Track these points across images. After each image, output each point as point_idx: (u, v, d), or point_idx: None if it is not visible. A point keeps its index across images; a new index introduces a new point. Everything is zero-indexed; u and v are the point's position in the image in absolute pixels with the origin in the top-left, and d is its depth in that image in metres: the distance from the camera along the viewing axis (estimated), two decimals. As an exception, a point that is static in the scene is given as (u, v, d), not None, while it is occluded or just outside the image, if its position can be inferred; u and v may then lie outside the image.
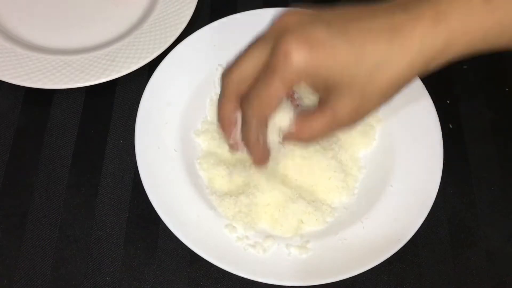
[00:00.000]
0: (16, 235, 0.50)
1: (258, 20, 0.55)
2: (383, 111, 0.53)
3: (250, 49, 0.40)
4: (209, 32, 0.57)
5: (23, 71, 0.55)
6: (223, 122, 0.43)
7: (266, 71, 0.38)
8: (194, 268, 0.48)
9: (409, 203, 0.49)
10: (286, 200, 0.49)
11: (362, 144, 0.53)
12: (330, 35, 0.36)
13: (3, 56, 0.56)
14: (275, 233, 0.48)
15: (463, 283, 0.49)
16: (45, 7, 0.62)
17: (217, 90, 0.55)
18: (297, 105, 0.47)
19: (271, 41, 0.38)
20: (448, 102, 0.58)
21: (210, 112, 0.55)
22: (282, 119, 0.42)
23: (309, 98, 0.51)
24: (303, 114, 0.41)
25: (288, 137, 0.43)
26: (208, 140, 0.53)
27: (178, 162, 0.50)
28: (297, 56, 0.36)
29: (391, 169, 0.51)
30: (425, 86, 0.54)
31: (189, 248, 0.45)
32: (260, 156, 0.43)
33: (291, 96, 0.46)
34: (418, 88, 0.54)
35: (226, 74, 0.41)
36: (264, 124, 0.41)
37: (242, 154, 0.50)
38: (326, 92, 0.39)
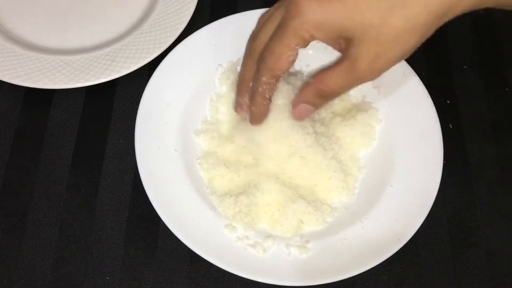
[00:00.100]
0: (16, 235, 0.50)
1: (258, 20, 0.56)
2: (383, 112, 0.53)
3: (270, 14, 0.41)
4: (209, 32, 0.57)
5: (23, 71, 0.55)
6: (241, 82, 0.46)
7: (280, 25, 0.39)
8: (194, 268, 0.48)
9: (409, 203, 0.49)
10: (286, 200, 0.49)
11: (362, 144, 0.53)
12: None
13: (3, 56, 0.56)
14: (275, 233, 0.48)
15: (463, 283, 0.49)
16: (45, 7, 0.62)
17: (217, 90, 0.55)
18: None
19: (286, 3, 0.39)
20: (448, 102, 0.58)
21: (210, 112, 0.55)
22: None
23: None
24: (321, 69, 0.41)
25: (304, 91, 0.43)
26: (208, 140, 0.53)
27: (178, 162, 0.50)
28: (308, 8, 0.37)
29: (391, 169, 0.51)
30: (425, 86, 0.54)
31: (189, 248, 0.45)
32: (261, 112, 0.45)
33: None
34: (418, 88, 0.54)
35: (250, 40, 0.44)
36: (275, 81, 0.42)
37: (242, 156, 0.51)
38: (342, 44, 0.39)
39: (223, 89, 0.55)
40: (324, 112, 0.53)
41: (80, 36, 0.60)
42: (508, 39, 0.62)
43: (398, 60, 0.38)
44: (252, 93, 0.44)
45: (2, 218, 0.50)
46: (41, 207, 0.51)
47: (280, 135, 0.49)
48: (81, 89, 0.57)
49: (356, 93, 0.55)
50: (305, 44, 0.40)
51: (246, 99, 0.46)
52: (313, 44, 0.41)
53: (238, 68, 0.55)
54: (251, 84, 0.45)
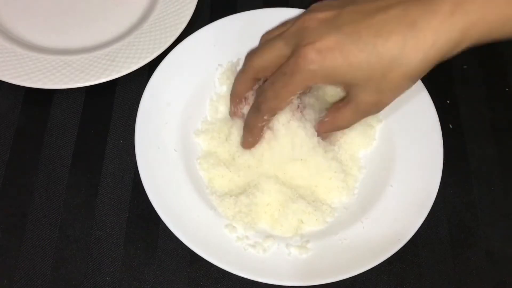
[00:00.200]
0: (16, 235, 0.50)
1: (258, 20, 0.56)
2: (383, 111, 0.53)
3: (274, 41, 0.44)
4: (209, 32, 0.57)
5: (23, 71, 0.55)
6: (234, 97, 0.50)
7: (285, 72, 0.42)
8: (194, 268, 0.48)
9: (409, 203, 0.49)
10: (286, 200, 0.49)
11: (362, 144, 0.53)
12: (343, 40, 0.40)
13: (3, 56, 0.56)
14: (275, 233, 0.48)
15: (463, 283, 0.49)
16: (45, 7, 0.62)
17: (217, 90, 0.55)
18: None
19: (292, 40, 0.42)
20: (448, 102, 0.58)
21: (210, 112, 0.55)
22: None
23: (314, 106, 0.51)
24: (331, 108, 0.46)
25: (322, 125, 0.49)
26: (208, 140, 0.53)
27: (178, 162, 0.50)
28: (314, 63, 0.40)
29: (391, 169, 0.51)
30: (425, 86, 0.54)
31: (189, 248, 0.45)
32: (253, 140, 0.49)
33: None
34: (418, 88, 0.54)
35: (249, 58, 0.46)
36: (272, 116, 0.47)
37: (243, 156, 0.51)
38: (347, 88, 0.43)
39: (223, 89, 0.55)
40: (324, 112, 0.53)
41: (80, 36, 0.60)
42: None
43: (396, 98, 0.42)
44: (250, 126, 0.48)
45: (2, 218, 0.50)
46: (41, 207, 0.51)
47: (281, 138, 0.49)
48: (81, 89, 0.57)
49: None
50: (307, 88, 0.44)
51: (239, 108, 0.50)
52: None
53: (238, 69, 0.55)
54: (242, 106, 0.50)
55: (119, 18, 0.62)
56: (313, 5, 0.43)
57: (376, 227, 0.48)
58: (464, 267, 0.49)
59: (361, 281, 0.48)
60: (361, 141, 0.53)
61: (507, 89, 0.59)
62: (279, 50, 0.43)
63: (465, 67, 0.60)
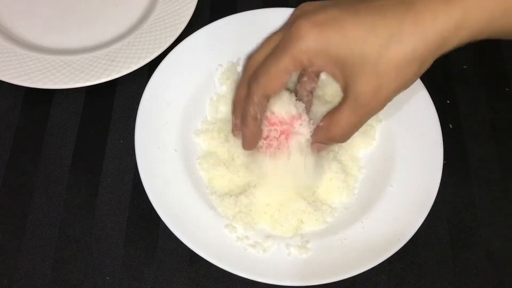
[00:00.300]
0: (16, 235, 0.50)
1: (258, 20, 0.56)
2: (383, 111, 0.53)
3: (270, 36, 0.42)
4: (209, 32, 0.57)
5: (23, 71, 0.55)
6: (237, 102, 0.45)
7: (278, 46, 0.39)
8: (194, 268, 0.48)
9: (409, 203, 0.49)
10: (286, 200, 0.49)
11: (362, 144, 0.53)
12: (340, 14, 0.37)
13: (3, 56, 0.56)
14: (275, 233, 0.48)
15: (463, 283, 0.49)
16: (45, 7, 0.62)
17: (217, 90, 0.55)
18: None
19: (287, 26, 0.40)
20: (448, 102, 0.58)
21: (210, 112, 0.55)
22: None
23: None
24: (329, 111, 0.42)
25: (317, 136, 0.44)
26: (208, 140, 0.53)
27: (178, 162, 0.50)
28: (307, 35, 0.37)
29: (391, 169, 0.51)
30: (425, 86, 0.54)
31: (189, 248, 0.45)
32: (252, 134, 0.44)
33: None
34: (418, 88, 0.54)
35: (247, 60, 0.44)
36: (266, 101, 0.42)
37: (243, 158, 0.51)
38: (343, 75, 0.39)
39: (223, 89, 0.55)
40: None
41: (80, 36, 0.60)
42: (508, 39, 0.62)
43: (400, 90, 0.39)
44: (243, 114, 0.44)
45: (2, 218, 0.50)
46: (41, 207, 0.51)
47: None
48: (81, 89, 0.57)
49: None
50: (300, 69, 0.40)
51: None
52: None
53: (238, 68, 0.55)
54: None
55: (119, 18, 0.62)
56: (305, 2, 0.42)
57: (376, 227, 0.48)
58: (464, 267, 0.49)
59: (361, 281, 0.48)
60: (361, 141, 0.53)
61: (507, 89, 0.59)
62: (274, 40, 0.41)
63: (465, 67, 0.60)
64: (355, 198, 0.51)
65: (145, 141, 0.50)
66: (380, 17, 0.37)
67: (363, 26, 0.37)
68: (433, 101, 0.53)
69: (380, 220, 0.48)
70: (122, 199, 0.51)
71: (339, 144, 0.52)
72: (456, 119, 0.57)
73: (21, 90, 0.57)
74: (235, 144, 0.51)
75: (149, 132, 0.51)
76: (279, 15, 0.51)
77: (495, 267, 0.49)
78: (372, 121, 0.53)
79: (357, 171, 0.52)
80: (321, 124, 0.43)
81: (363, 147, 0.53)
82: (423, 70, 0.38)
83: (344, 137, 0.43)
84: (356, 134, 0.52)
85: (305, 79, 0.46)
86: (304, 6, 0.40)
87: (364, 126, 0.52)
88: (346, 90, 0.40)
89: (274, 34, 0.42)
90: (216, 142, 0.52)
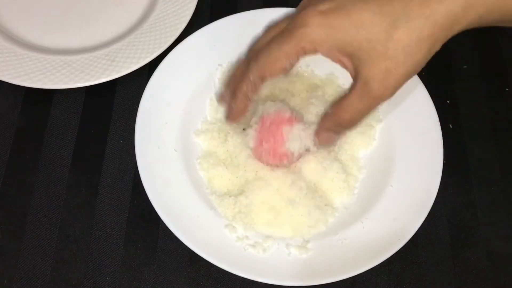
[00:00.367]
0: (16, 235, 0.50)
1: (258, 20, 0.55)
2: (383, 111, 0.53)
3: (276, 24, 0.41)
4: (209, 32, 0.57)
5: (23, 71, 0.55)
6: (232, 78, 0.44)
7: (283, 31, 0.39)
8: (194, 268, 0.48)
9: (409, 203, 0.49)
10: (286, 200, 0.49)
11: (362, 144, 0.53)
12: (346, 1, 0.37)
13: (3, 56, 0.56)
14: (275, 233, 0.48)
15: (463, 283, 0.49)
16: (45, 7, 0.62)
17: (217, 90, 0.55)
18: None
19: (294, 15, 0.39)
20: (448, 102, 0.58)
21: (210, 112, 0.55)
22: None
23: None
24: (337, 99, 0.41)
25: (324, 124, 0.43)
26: (208, 140, 0.53)
27: (178, 162, 0.50)
28: (312, 22, 0.37)
29: (391, 169, 0.51)
30: (425, 86, 0.54)
31: (189, 248, 0.45)
32: (239, 110, 0.44)
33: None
34: (418, 88, 0.54)
35: (251, 46, 0.43)
36: (260, 83, 0.41)
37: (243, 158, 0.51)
38: (352, 62, 0.39)
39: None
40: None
41: (80, 36, 0.60)
42: (508, 39, 0.62)
43: (410, 75, 0.38)
44: (235, 89, 0.43)
45: (2, 218, 0.50)
46: (41, 207, 0.51)
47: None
48: (81, 89, 0.57)
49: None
50: (303, 55, 0.39)
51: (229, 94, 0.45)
52: None
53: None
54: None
55: (119, 18, 0.62)
56: None
57: (376, 227, 0.48)
58: (464, 267, 0.49)
59: (361, 281, 0.48)
60: (361, 141, 0.53)
61: (507, 89, 0.59)
62: (280, 27, 0.41)
63: (465, 67, 0.60)
64: (355, 198, 0.51)
65: (145, 141, 0.50)
66: (386, 1, 0.37)
67: (368, 10, 0.37)
68: (433, 101, 0.53)
69: (380, 220, 0.48)
70: (122, 199, 0.51)
71: (339, 144, 0.52)
72: (456, 119, 0.57)
73: (21, 90, 0.57)
74: (235, 144, 0.51)
75: (149, 132, 0.51)
76: (279, 15, 0.51)
77: (495, 267, 0.49)
78: (372, 121, 0.53)
79: (357, 171, 0.52)
80: (329, 111, 0.42)
81: (363, 147, 0.53)
82: (432, 53, 0.38)
83: (352, 123, 0.41)
84: (356, 134, 0.52)
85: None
86: None
87: (364, 126, 0.53)
88: (355, 76, 0.39)
89: (281, 22, 0.41)
90: (216, 142, 0.52)
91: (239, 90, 0.42)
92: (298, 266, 0.46)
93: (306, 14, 0.38)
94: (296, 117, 0.47)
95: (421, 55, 0.37)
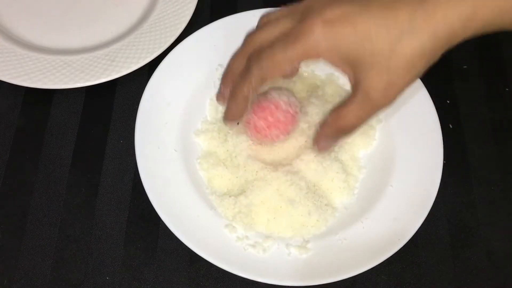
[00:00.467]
0: (16, 235, 0.50)
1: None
2: (383, 111, 0.53)
3: (279, 17, 0.41)
4: (209, 32, 0.57)
5: (23, 71, 0.55)
6: (228, 72, 0.44)
7: (288, 36, 0.39)
8: (194, 268, 0.48)
9: (409, 203, 0.49)
10: (286, 200, 0.49)
11: (362, 144, 0.53)
12: (351, 11, 0.37)
13: (3, 56, 0.56)
14: (275, 233, 0.48)
15: (463, 283, 0.49)
16: (45, 7, 0.62)
17: (218, 90, 0.55)
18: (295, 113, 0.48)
19: (297, 16, 0.39)
20: (448, 102, 0.58)
21: (210, 112, 0.55)
22: None
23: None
24: (336, 106, 0.41)
25: (324, 131, 0.43)
26: (208, 140, 0.53)
27: (178, 162, 0.50)
28: (320, 28, 0.37)
29: (391, 169, 0.51)
30: (425, 86, 0.54)
31: (189, 248, 0.45)
32: (239, 110, 0.44)
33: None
34: (418, 88, 0.54)
35: (250, 34, 0.42)
36: (261, 85, 0.42)
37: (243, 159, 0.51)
38: (354, 70, 0.39)
39: (223, 89, 0.55)
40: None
41: (80, 36, 0.60)
42: (508, 39, 0.62)
43: (409, 85, 0.39)
44: (235, 89, 0.43)
45: (2, 218, 0.50)
46: (41, 207, 0.51)
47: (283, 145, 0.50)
48: (81, 89, 0.57)
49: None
50: (306, 60, 0.40)
51: (228, 92, 0.45)
52: None
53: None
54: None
55: (119, 18, 0.62)
56: None
57: (376, 227, 0.48)
58: (464, 267, 0.49)
59: (361, 281, 0.48)
60: (361, 141, 0.53)
61: (507, 89, 0.59)
62: (283, 25, 0.41)
63: (465, 67, 0.60)
64: (355, 198, 0.51)
65: (145, 141, 0.50)
66: (392, 13, 0.37)
67: (374, 22, 0.37)
68: (433, 101, 0.53)
69: (380, 220, 0.48)
70: (122, 199, 0.51)
71: (339, 144, 0.52)
72: (456, 119, 0.57)
73: (21, 90, 0.57)
74: (235, 144, 0.51)
75: (149, 132, 0.51)
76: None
77: (495, 267, 0.49)
78: (372, 121, 0.53)
79: (357, 171, 0.52)
80: (328, 119, 0.42)
81: (363, 147, 0.53)
82: (431, 63, 0.38)
83: (352, 129, 0.42)
84: (356, 134, 0.52)
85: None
86: None
87: (364, 126, 0.52)
88: (355, 84, 0.40)
89: (283, 18, 0.41)
90: (216, 142, 0.52)
91: (240, 92, 0.42)
92: (298, 266, 0.46)
93: (312, 21, 0.38)
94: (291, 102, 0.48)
95: (421, 67, 0.38)
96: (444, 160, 0.50)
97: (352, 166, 0.52)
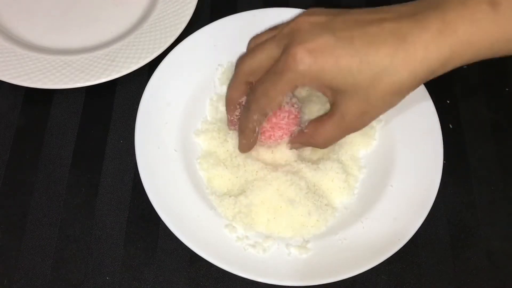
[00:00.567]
0: (16, 235, 0.50)
1: (258, 20, 0.56)
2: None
3: (265, 43, 0.44)
4: (209, 32, 0.57)
5: (23, 71, 0.55)
6: (229, 104, 0.49)
7: (275, 71, 0.42)
8: (194, 268, 0.48)
9: (409, 203, 0.49)
10: (286, 200, 0.49)
11: (362, 144, 0.53)
12: (335, 43, 0.39)
13: (3, 56, 0.56)
14: (275, 233, 0.48)
15: (463, 283, 0.49)
16: (45, 7, 0.62)
17: (217, 90, 0.55)
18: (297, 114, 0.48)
19: (284, 41, 0.42)
20: (448, 102, 0.58)
21: (210, 112, 0.55)
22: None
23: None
24: (314, 119, 0.46)
25: (300, 139, 0.48)
26: (208, 140, 0.53)
27: (178, 162, 0.50)
28: (303, 63, 0.40)
29: (391, 169, 0.51)
30: (425, 86, 0.54)
31: (189, 248, 0.45)
32: (249, 144, 0.48)
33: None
34: (418, 88, 0.53)
35: (240, 62, 0.46)
36: (264, 117, 0.46)
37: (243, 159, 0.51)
38: (334, 95, 0.42)
39: (223, 89, 0.55)
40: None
41: (80, 36, 0.60)
42: (508, 39, 0.62)
43: (382, 114, 0.42)
44: (242, 127, 0.47)
45: (2, 218, 0.50)
46: (41, 207, 0.51)
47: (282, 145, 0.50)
48: (81, 89, 0.57)
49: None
50: (296, 89, 0.43)
51: (235, 116, 0.49)
52: None
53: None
54: (238, 113, 0.48)
55: (119, 18, 0.62)
56: (307, 10, 0.43)
57: (376, 227, 0.48)
58: (464, 267, 0.49)
59: (361, 281, 0.48)
60: (361, 141, 0.53)
61: (507, 89, 0.59)
62: (269, 51, 0.43)
63: (465, 67, 0.60)
64: (355, 198, 0.51)
65: (145, 141, 0.50)
66: (374, 49, 0.38)
67: (356, 57, 0.39)
68: (433, 101, 0.53)
69: (380, 220, 0.48)
70: (122, 199, 0.51)
71: (339, 144, 0.52)
72: (456, 119, 0.57)
73: (21, 90, 0.57)
74: (235, 144, 0.51)
75: (149, 132, 0.51)
76: (279, 15, 0.51)
77: (495, 267, 0.49)
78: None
79: (357, 171, 0.52)
80: (306, 130, 0.46)
81: (363, 147, 0.53)
82: (406, 95, 0.41)
83: (324, 145, 0.47)
84: (356, 134, 0.52)
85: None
86: (302, 20, 0.41)
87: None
88: (334, 105, 0.43)
89: (267, 39, 0.44)
90: (216, 142, 0.52)
91: (247, 128, 0.47)
92: (298, 266, 0.46)
93: (296, 53, 0.40)
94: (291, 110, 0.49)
95: (398, 100, 0.41)
96: (444, 160, 0.50)
97: (352, 166, 0.52)
